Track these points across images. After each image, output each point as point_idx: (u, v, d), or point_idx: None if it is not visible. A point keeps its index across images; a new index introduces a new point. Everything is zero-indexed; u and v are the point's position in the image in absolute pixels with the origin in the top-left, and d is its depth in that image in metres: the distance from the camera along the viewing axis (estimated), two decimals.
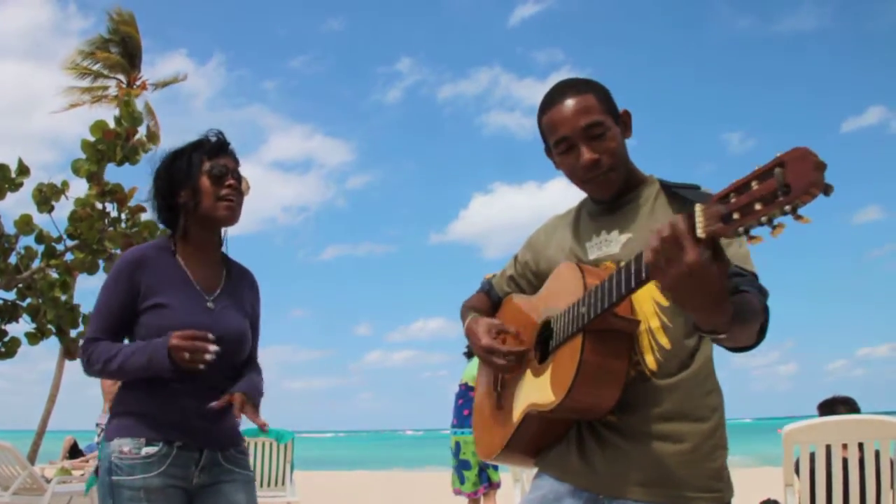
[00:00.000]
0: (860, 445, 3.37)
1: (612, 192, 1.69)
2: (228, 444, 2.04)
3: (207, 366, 1.91)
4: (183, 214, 2.04)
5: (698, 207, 1.20)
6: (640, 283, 1.37)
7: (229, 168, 2.05)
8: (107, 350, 1.95)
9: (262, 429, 2.00)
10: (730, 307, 1.30)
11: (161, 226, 2.18)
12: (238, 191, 2.06)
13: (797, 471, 3.50)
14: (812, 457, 3.44)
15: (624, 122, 1.69)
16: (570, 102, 1.64)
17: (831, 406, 4.16)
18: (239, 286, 2.15)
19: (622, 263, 1.43)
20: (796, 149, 1.07)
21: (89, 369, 1.97)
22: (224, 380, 2.02)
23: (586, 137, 1.62)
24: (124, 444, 1.90)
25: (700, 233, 1.19)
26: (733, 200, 1.14)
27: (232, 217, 2.05)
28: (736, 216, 1.13)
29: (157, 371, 1.89)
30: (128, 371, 1.92)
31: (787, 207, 1.06)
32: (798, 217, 1.07)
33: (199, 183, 2.02)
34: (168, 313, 1.96)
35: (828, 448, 3.37)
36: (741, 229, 1.13)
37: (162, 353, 1.88)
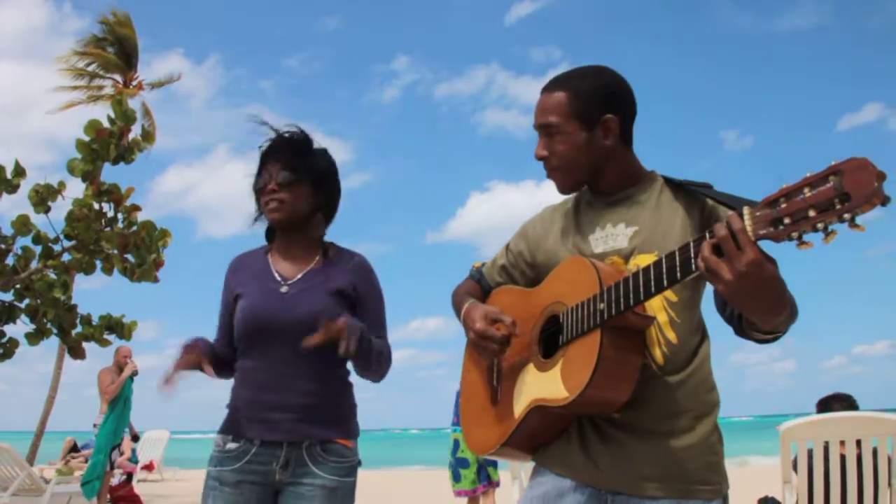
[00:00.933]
0: (858, 442, 3.37)
1: (561, 189, 1.75)
2: (313, 440, 1.98)
3: (284, 354, 1.99)
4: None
5: (746, 210, 1.22)
6: (682, 279, 1.37)
7: (272, 175, 2.10)
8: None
9: (344, 349, 1.90)
10: (788, 306, 1.32)
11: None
12: (277, 193, 2.08)
13: (795, 468, 3.51)
14: (810, 454, 3.45)
15: (605, 126, 1.66)
16: (543, 96, 1.70)
17: (829, 403, 4.17)
18: (333, 269, 2.12)
19: (650, 262, 1.43)
20: (855, 158, 1.09)
21: None
22: (308, 368, 2.00)
23: (542, 134, 1.70)
24: (218, 438, 2.04)
25: (750, 237, 1.21)
26: (783, 206, 1.16)
27: (277, 218, 2.12)
28: (787, 221, 1.15)
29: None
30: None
31: (847, 216, 1.09)
32: (854, 226, 1.10)
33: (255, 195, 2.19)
34: (243, 302, 2.07)
35: (825, 445, 3.38)
36: (794, 234, 1.15)
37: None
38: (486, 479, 5.75)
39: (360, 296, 2.13)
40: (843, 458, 3.38)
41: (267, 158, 2.14)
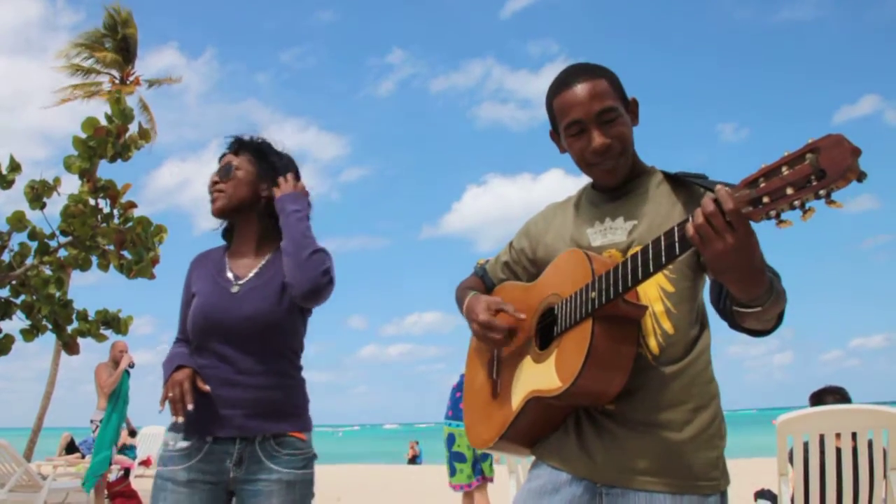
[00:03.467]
0: (853, 435, 3.39)
1: (617, 178, 1.69)
2: (266, 434, 1.98)
3: (235, 352, 2.02)
4: None
5: (724, 190, 1.23)
6: (669, 261, 1.38)
7: (220, 168, 2.22)
8: (172, 348, 2.15)
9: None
10: (766, 278, 1.34)
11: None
12: (216, 185, 2.18)
13: (791, 460, 3.52)
14: (806, 446, 3.46)
15: (632, 110, 1.70)
16: (584, 86, 1.64)
17: (822, 396, 4.18)
18: (278, 269, 2.12)
19: (638, 250, 1.44)
20: (831, 135, 1.10)
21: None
22: (261, 363, 2.02)
23: (599, 122, 1.63)
24: (168, 437, 2.03)
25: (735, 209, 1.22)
26: (762, 185, 1.17)
27: (217, 207, 2.18)
28: (766, 200, 1.16)
29: (164, 367, 2.07)
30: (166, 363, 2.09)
31: (822, 192, 1.09)
32: (831, 202, 1.10)
33: None
34: (196, 301, 2.11)
35: (821, 438, 3.40)
36: (771, 213, 1.16)
37: (169, 369, 2.02)
38: (479, 473, 5.77)
39: None
40: (838, 450, 3.39)
41: (221, 157, 2.27)
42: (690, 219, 1.30)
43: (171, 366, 2.03)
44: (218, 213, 2.19)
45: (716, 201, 1.25)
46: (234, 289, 2.09)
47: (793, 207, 1.13)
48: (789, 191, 1.13)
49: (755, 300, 1.36)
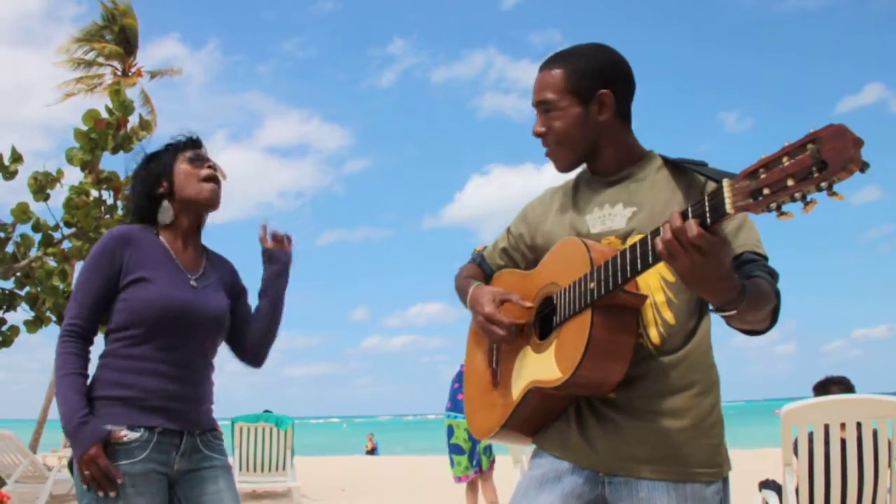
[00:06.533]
0: (858, 425, 3.38)
1: (559, 166, 1.75)
2: (207, 428, 2.04)
3: (188, 346, 1.98)
4: (169, 202, 2.09)
5: (726, 182, 1.21)
6: (652, 265, 1.39)
7: (204, 157, 2.14)
8: (64, 366, 1.91)
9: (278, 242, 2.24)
10: (737, 283, 1.33)
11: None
12: (216, 177, 2.12)
13: (796, 451, 3.52)
14: (810, 436, 3.45)
15: (601, 102, 1.67)
16: (541, 74, 1.73)
17: (826, 386, 4.17)
18: (219, 271, 2.17)
19: (637, 239, 1.43)
20: (832, 125, 1.08)
21: (55, 362, 1.94)
22: (205, 360, 2.06)
23: (539, 111, 1.73)
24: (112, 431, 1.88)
25: (729, 209, 1.21)
26: (763, 176, 1.15)
27: (214, 200, 2.11)
28: (766, 192, 1.14)
29: (70, 436, 1.85)
30: (58, 402, 1.90)
31: (824, 184, 1.07)
32: (833, 194, 1.08)
33: (179, 168, 2.09)
34: (151, 286, 1.97)
35: (826, 428, 3.39)
36: (772, 205, 1.14)
37: (81, 443, 1.82)
38: (478, 465, 5.78)
39: (241, 291, 2.25)
40: (843, 440, 3.39)
41: (194, 145, 2.20)
42: (660, 229, 1.32)
43: (78, 429, 1.84)
44: (216, 207, 2.14)
45: (682, 215, 1.27)
46: (193, 282, 2.05)
47: (793, 199, 1.11)
48: (790, 182, 1.11)
49: (728, 304, 1.36)
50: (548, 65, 1.73)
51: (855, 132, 1.05)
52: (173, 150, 2.13)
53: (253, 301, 2.26)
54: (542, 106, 1.71)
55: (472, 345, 1.96)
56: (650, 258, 1.38)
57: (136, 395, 1.92)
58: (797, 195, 1.10)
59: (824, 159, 1.06)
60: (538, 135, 1.73)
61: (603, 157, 1.71)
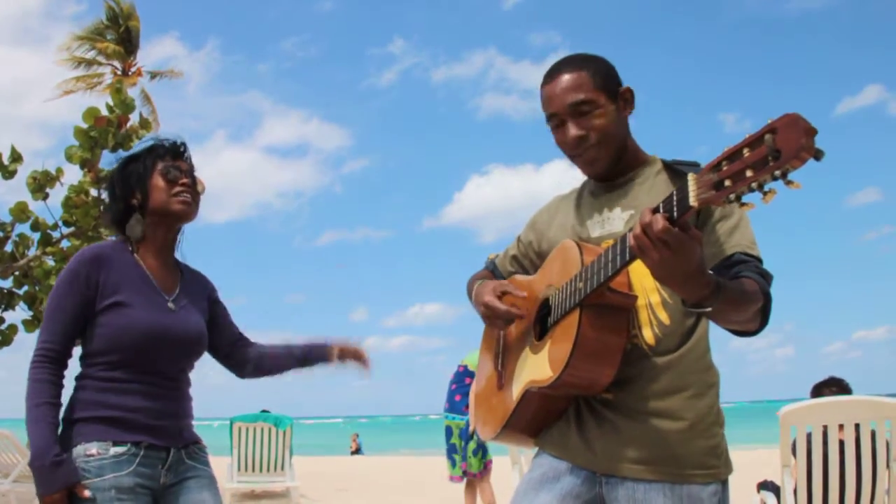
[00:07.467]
0: (856, 426, 3.39)
1: (598, 168, 1.69)
2: (191, 441, 2.04)
3: (168, 367, 1.98)
4: (141, 215, 2.01)
5: (691, 177, 1.23)
6: (630, 262, 1.40)
7: (182, 170, 2.03)
8: (38, 394, 1.87)
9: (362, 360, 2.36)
10: (709, 281, 1.34)
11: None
12: (193, 188, 2.04)
13: (794, 452, 3.52)
14: (809, 438, 3.46)
15: (625, 98, 1.69)
16: (562, 79, 1.66)
17: (823, 388, 4.19)
18: (193, 288, 2.14)
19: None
20: (787, 115, 1.09)
21: (27, 389, 1.89)
22: (184, 377, 2.07)
23: (573, 114, 1.65)
24: (90, 447, 1.84)
25: (692, 201, 1.22)
26: (725, 168, 1.17)
27: (188, 211, 2.03)
28: (727, 183, 1.16)
29: (38, 472, 1.80)
30: (29, 433, 1.85)
31: (778, 172, 1.09)
32: (789, 182, 1.10)
33: (153, 183, 1.99)
34: (129, 312, 1.92)
35: (824, 429, 3.39)
36: (732, 196, 1.16)
37: (51, 484, 1.78)
38: (469, 467, 5.79)
39: (218, 305, 2.25)
40: (841, 441, 3.39)
41: (174, 155, 2.09)
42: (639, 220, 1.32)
43: (51, 468, 1.78)
44: (191, 219, 2.06)
45: (652, 210, 1.29)
46: (171, 304, 2.01)
47: (752, 189, 1.13)
48: (748, 173, 1.13)
49: (702, 301, 1.36)
50: (565, 70, 1.68)
51: (809, 121, 1.07)
52: (152, 157, 2.02)
53: (229, 305, 2.27)
54: (577, 108, 1.64)
55: (483, 349, 2.00)
56: (627, 255, 1.40)
57: (120, 414, 1.88)
58: (754, 185, 1.12)
59: (778, 149, 1.08)
60: (577, 139, 1.65)
61: (619, 160, 1.71)
